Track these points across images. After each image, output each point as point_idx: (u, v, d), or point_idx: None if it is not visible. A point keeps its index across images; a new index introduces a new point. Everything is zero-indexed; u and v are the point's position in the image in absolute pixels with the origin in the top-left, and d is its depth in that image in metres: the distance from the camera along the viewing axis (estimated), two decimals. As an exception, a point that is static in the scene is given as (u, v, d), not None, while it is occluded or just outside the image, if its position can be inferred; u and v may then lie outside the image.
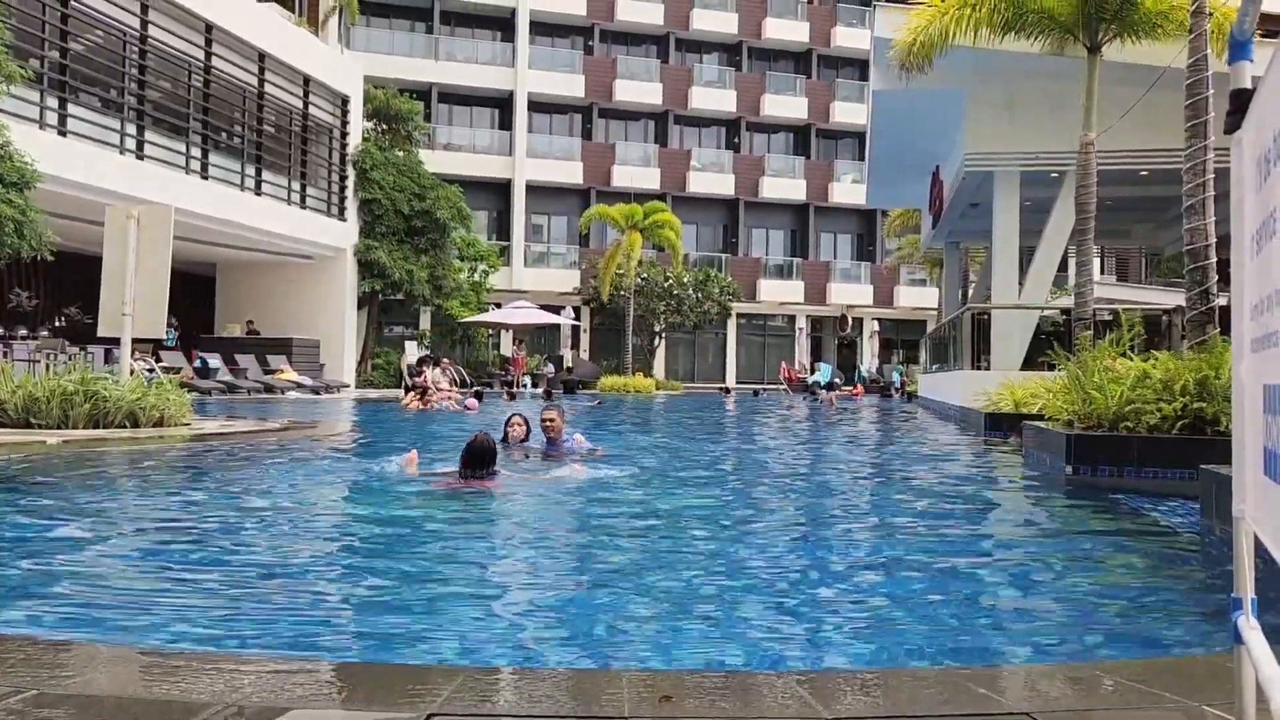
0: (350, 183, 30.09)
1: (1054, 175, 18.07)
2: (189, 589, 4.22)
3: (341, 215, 29.79)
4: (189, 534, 5.58)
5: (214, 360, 24.93)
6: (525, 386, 32.06)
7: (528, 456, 9.11)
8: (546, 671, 3.04)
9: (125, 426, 11.10)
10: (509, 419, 9.57)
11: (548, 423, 9.33)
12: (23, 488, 7.29)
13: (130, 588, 4.25)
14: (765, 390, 37.61)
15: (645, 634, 3.65)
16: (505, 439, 9.20)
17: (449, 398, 20.64)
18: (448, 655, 3.33)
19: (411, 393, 20.55)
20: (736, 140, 48.29)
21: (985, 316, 18.08)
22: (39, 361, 17.24)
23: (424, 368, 21.61)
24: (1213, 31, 10.80)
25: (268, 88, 26.27)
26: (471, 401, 19.90)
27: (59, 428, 10.73)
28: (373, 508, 6.75)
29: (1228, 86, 2.23)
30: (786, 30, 48.62)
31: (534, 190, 44.59)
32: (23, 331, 20.64)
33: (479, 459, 6.93)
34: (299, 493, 7.44)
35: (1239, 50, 2.18)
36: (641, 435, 14.79)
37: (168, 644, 3.32)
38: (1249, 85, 2.14)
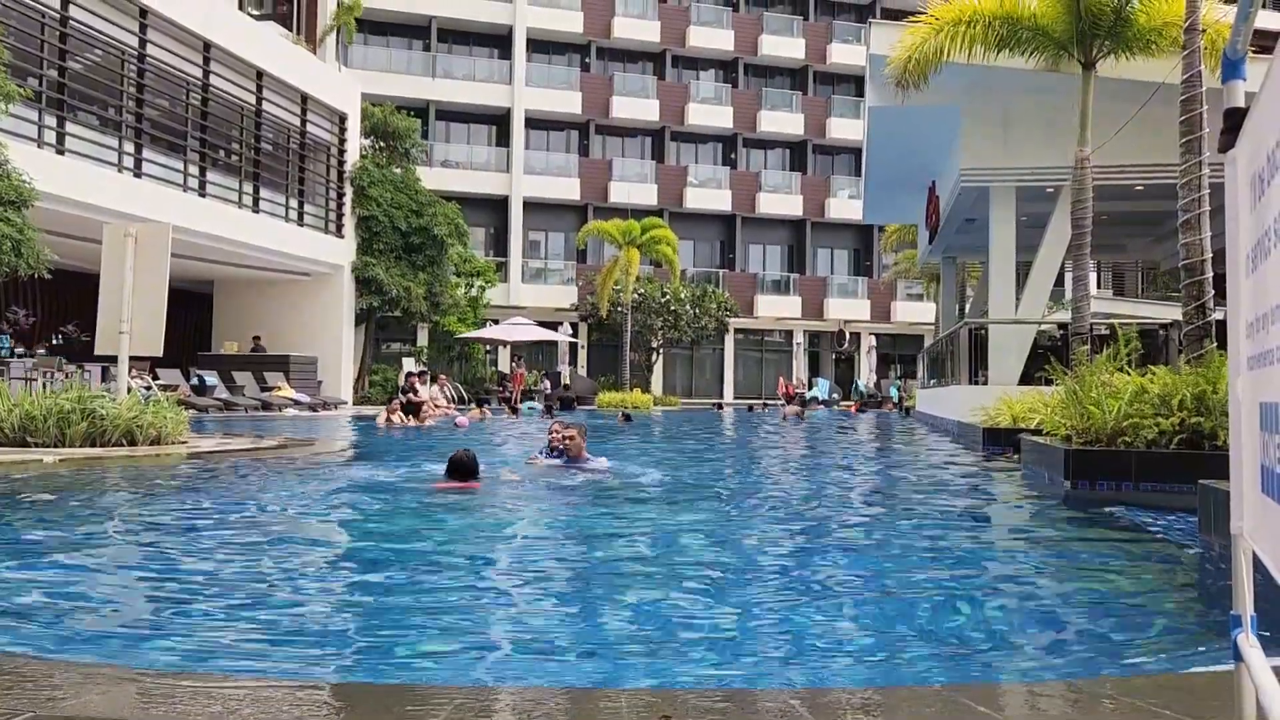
0: (348, 200, 30.13)
1: (1049, 190, 18.10)
2: (186, 608, 4.20)
3: (339, 232, 29.82)
4: (185, 552, 5.56)
5: (211, 378, 24.90)
6: (523, 401, 31.97)
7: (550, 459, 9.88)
8: (545, 690, 3.03)
9: (122, 445, 11.09)
10: (550, 425, 10.78)
11: (568, 440, 9.82)
12: (18, 506, 7.27)
13: (127, 607, 4.23)
14: (765, 405, 37.53)
15: (642, 648, 3.64)
16: (550, 444, 10.21)
17: (444, 414, 20.64)
18: (447, 672, 3.31)
19: (386, 408, 20.53)
20: (733, 156, 48.42)
21: (982, 331, 18.08)
22: (35, 380, 17.21)
23: (414, 383, 21.48)
24: (1206, 48, 10.86)
25: (265, 106, 26.33)
26: (461, 419, 19.91)
27: (56, 446, 10.72)
28: (370, 519, 6.75)
29: (1221, 102, 2.24)
30: (783, 47, 48.83)
31: (531, 207, 44.68)
32: (19, 350, 20.61)
33: (458, 469, 8.18)
34: (295, 507, 7.42)
35: (1232, 69, 2.19)
36: (632, 448, 14.76)
37: (165, 665, 3.30)
38: (1243, 104, 2.16)
